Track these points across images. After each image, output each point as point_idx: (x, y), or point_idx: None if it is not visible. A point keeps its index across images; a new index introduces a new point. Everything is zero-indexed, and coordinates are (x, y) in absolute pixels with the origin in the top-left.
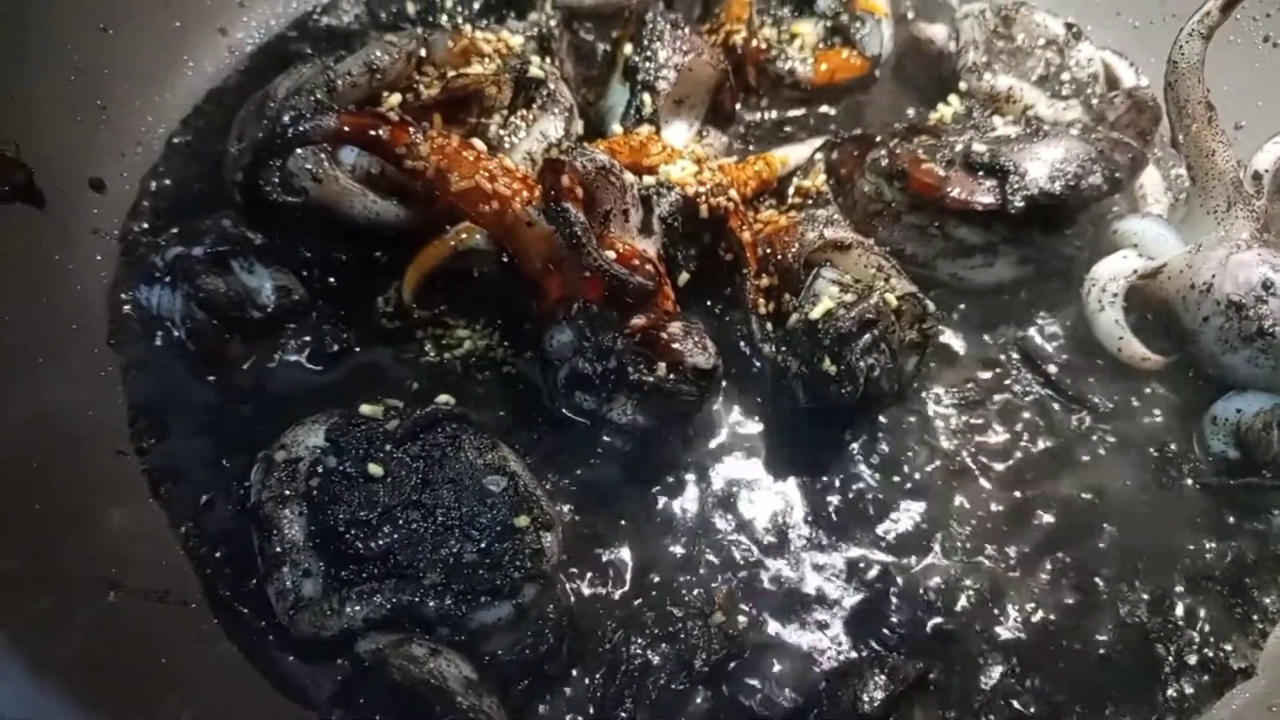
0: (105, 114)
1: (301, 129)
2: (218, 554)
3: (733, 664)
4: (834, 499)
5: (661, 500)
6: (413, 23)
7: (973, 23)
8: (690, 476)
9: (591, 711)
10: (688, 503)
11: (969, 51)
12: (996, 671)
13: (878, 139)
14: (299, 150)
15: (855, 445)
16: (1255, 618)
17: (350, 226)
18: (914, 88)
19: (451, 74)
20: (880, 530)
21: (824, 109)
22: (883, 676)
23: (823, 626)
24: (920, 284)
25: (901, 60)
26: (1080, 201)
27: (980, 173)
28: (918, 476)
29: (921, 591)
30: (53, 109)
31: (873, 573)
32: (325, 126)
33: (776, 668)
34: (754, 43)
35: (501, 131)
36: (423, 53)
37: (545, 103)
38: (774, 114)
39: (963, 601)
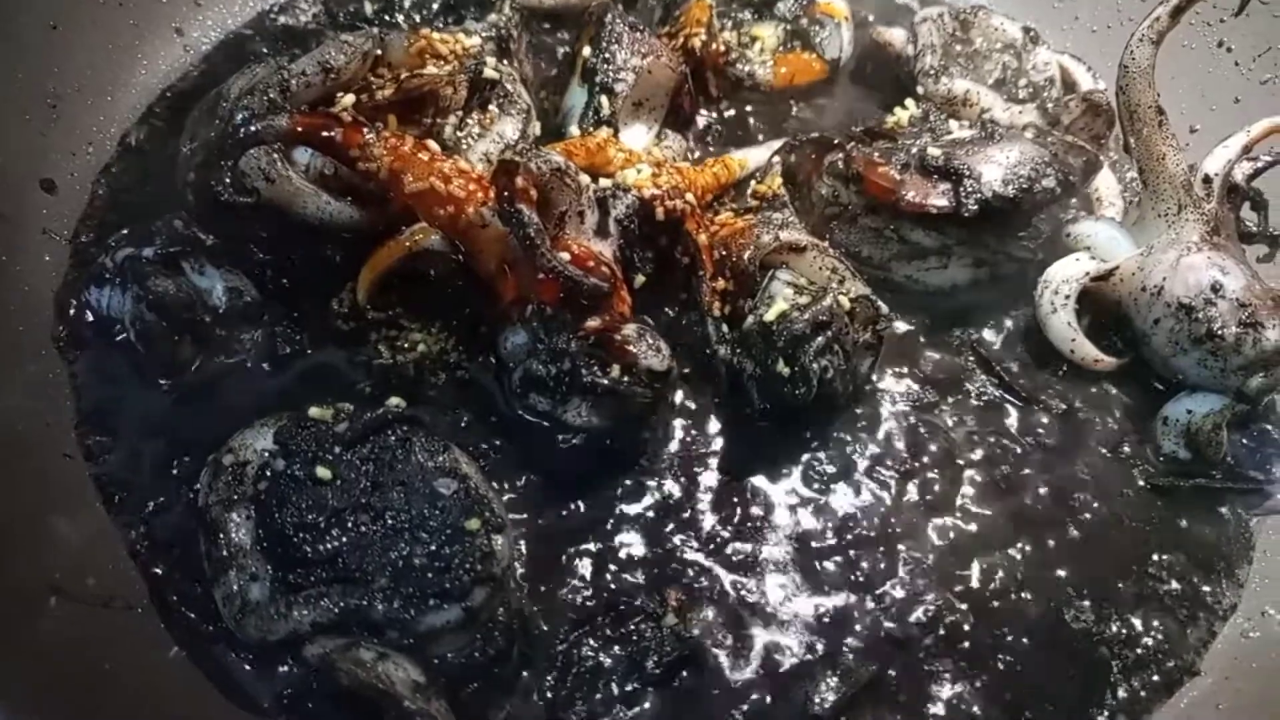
0: (56, 113)
1: (254, 129)
2: (165, 558)
3: (685, 666)
4: (788, 501)
5: (615, 502)
6: (370, 22)
7: (931, 26)
8: (644, 479)
9: (542, 714)
10: (641, 505)
11: (926, 55)
12: (948, 674)
13: (835, 142)
14: (251, 150)
15: (810, 447)
16: (1203, 617)
17: (303, 227)
18: (873, 91)
19: (406, 74)
20: (834, 533)
21: (783, 112)
22: (835, 678)
23: (775, 628)
24: (876, 286)
25: (861, 64)
26: (1033, 204)
27: (935, 176)
28: (872, 478)
29: (874, 593)
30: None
31: (826, 575)
32: (278, 126)
33: (729, 669)
34: (714, 46)
35: (458, 133)
36: (378, 53)
37: (503, 104)
38: (733, 116)
39: (916, 604)
